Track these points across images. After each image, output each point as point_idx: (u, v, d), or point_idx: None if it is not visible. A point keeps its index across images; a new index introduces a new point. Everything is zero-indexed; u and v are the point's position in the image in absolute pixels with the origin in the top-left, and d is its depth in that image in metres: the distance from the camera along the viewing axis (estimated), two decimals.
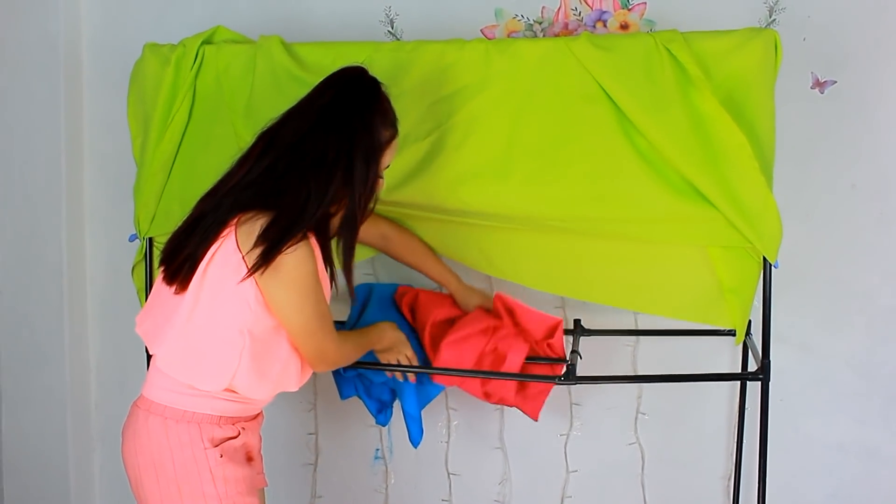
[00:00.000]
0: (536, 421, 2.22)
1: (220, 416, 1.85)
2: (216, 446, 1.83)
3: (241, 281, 1.74)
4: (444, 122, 2.06)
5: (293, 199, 1.77)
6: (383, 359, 2.15)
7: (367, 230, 2.15)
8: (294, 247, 1.74)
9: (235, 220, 1.76)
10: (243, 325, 1.78)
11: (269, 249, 1.73)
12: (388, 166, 1.93)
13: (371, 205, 1.90)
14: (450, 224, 2.24)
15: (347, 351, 2.00)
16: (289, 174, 1.79)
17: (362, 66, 1.91)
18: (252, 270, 1.73)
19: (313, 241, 1.81)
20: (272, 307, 1.79)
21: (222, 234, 1.76)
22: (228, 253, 1.76)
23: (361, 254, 2.28)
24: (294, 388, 1.92)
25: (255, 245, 1.73)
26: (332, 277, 1.93)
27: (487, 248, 2.25)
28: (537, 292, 2.29)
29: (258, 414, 2.00)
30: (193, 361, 1.82)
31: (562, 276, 2.22)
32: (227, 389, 1.83)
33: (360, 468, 2.81)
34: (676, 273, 2.10)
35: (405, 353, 2.16)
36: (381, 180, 1.90)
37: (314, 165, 1.79)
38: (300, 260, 1.76)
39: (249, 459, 1.93)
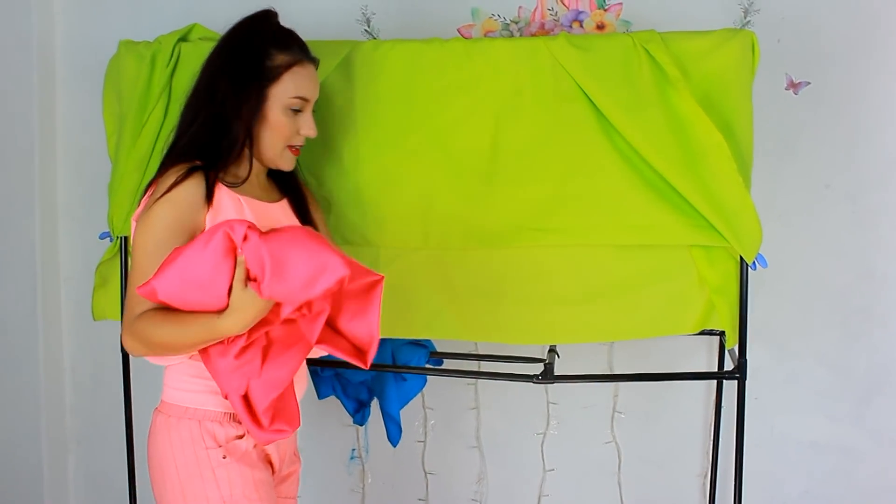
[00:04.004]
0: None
1: (224, 413, 1.73)
2: (220, 446, 1.71)
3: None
4: (427, 123, 2.05)
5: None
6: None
7: None
8: (164, 182, 1.68)
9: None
10: None
11: (144, 192, 1.74)
12: (302, 97, 1.78)
13: (275, 143, 1.78)
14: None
15: (155, 337, 1.60)
16: (182, 119, 1.82)
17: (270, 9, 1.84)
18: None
19: (195, 180, 1.69)
20: None
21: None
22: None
23: None
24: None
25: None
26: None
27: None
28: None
29: None
30: None
31: (544, 322, 2.08)
32: None
33: (336, 468, 2.80)
34: (664, 287, 2.01)
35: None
36: (287, 113, 1.78)
37: (193, 96, 1.80)
38: (161, 199, 1.66)
39: (269, 463, 1.80)
